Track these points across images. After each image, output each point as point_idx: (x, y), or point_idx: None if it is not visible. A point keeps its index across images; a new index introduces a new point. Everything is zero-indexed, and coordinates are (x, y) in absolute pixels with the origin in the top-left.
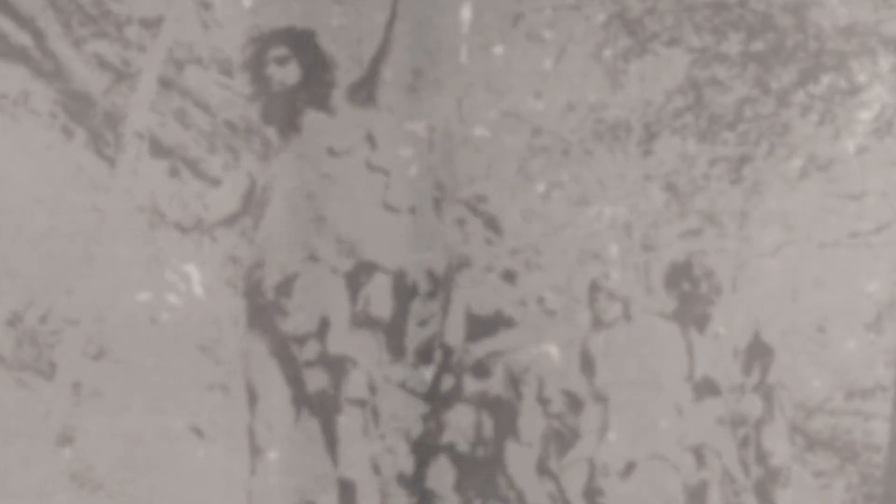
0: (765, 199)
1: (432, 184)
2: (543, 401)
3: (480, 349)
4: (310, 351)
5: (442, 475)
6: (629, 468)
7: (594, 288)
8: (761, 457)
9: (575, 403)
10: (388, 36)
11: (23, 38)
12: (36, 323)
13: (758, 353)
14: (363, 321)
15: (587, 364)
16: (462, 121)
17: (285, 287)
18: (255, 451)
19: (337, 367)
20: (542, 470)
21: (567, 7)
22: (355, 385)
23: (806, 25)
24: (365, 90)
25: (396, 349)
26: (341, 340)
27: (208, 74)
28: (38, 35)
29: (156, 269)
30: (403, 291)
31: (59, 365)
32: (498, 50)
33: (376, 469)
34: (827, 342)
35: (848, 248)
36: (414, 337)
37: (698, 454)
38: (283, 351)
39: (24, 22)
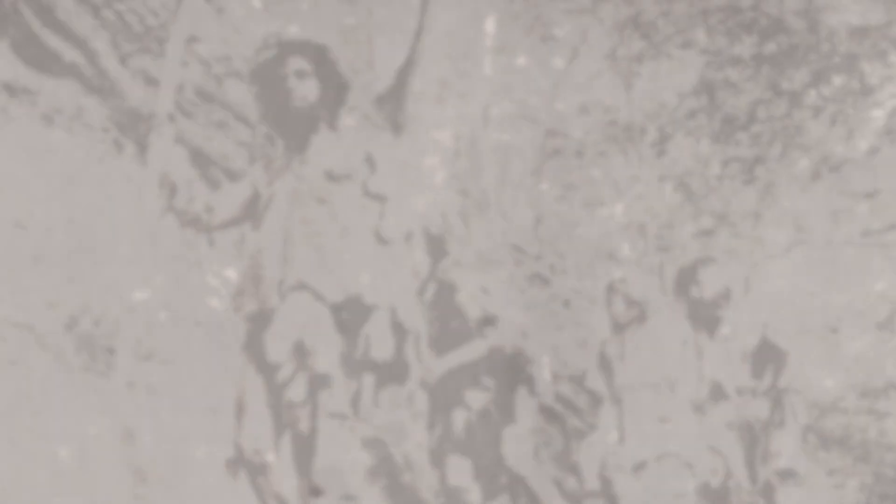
0: (777, 199)
1: (458, 191)
2: (560, 398)
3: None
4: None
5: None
6: (640, 467)
7: (610, 290)
8: (771, 460)
9: (592, 402)
10: (416, 47)
11: (74, 56)
12: (91, 326)
13: (769, 356)
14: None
15: (604, 365)
16: (486, 128)
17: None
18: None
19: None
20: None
21: (581, 10)
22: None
23: (818, 28)
24: (393, 100)
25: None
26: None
27: (249, 88)
28: (90, 53)
29: (198, 274)
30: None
31: (117, 366)
32: (521, 60)
33: None
34: (839, 341)
35: (860, 248)
36: None
37: (709, 456)
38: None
39: (78, 42)
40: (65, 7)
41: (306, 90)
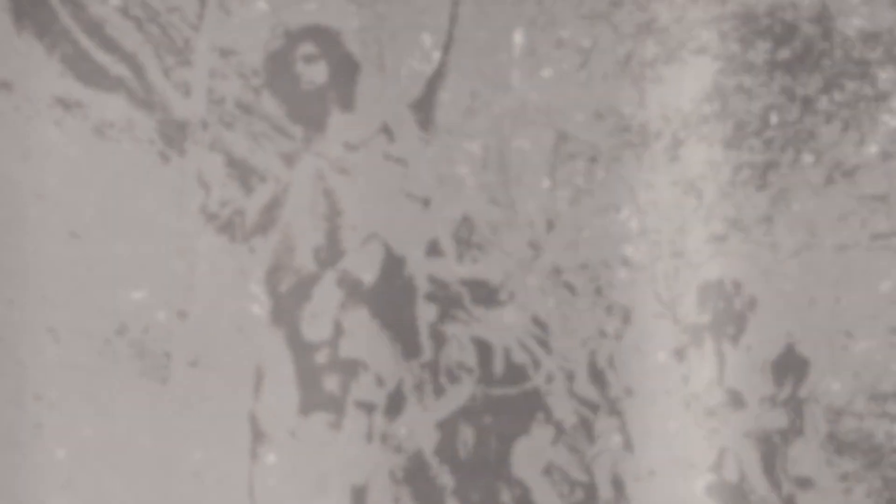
0: (790, 204)
1: (487, 199)
2: (574, 395)
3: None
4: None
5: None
6: (650, 475)
7: (622, 294)
8: (790, 470)
9: (594, 409)
10: (445, 59)
11: (121, 70)
12: (140, 333)
13: (789, 365)
14: None
15: (613, 369)
16: (513, 139)
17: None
18: None
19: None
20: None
21: (595, 15)
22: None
23: (832, 34)
24: (423, 111)
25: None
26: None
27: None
28: (136, 67)
29: (242, 281)
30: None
31: (170, 372)
32: (546, 72)
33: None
34: (849, 345)
35: (870, 251)
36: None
37: (723, 465)
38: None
39: (125, 55)
40: (114, 22)
41: (314, 74)
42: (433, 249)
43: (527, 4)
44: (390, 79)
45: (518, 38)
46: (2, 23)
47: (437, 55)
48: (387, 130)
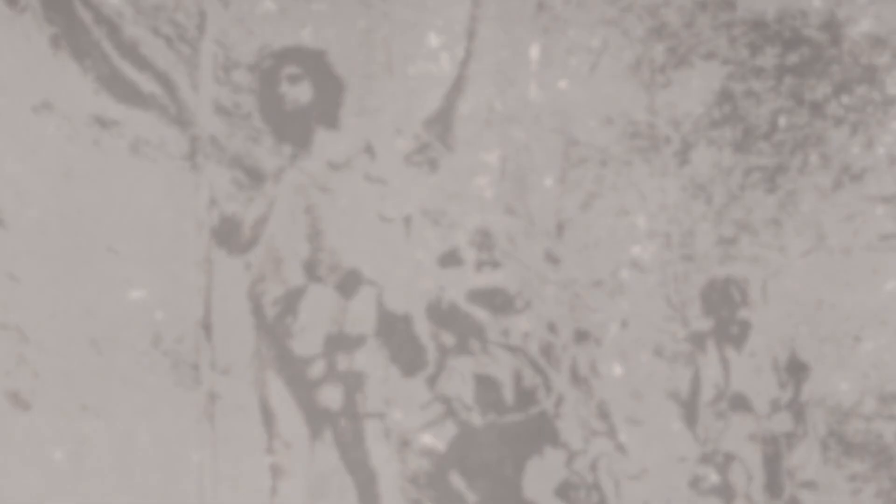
0: (799, 207)
1: (504, 208)
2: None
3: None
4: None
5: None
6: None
7: (632, 298)
8: (791, 472)
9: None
10: (463, 73)
11: (153, 87)
12: (173, 343)
13: (792, 369)
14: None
15: (624, 366)
16: (529, 150)
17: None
18: None
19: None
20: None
21: (606, 22)
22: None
23: (840, 40)
24: (441, 123)
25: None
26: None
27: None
28: (169, 86)
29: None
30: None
31: (202, 380)
32: (563, 84)
33: None
34: (858, 346)
35: (878, 252)
36: None
37: (726, 468)
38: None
39: (158, 74)
40: (147, 42)
41: (299, 93)
42: (452, 258)
43: (543, 15)
44: (399, 80)
45: (535, 51)
46: (38, 44)
47: (445, 55)
48: (369, 150)
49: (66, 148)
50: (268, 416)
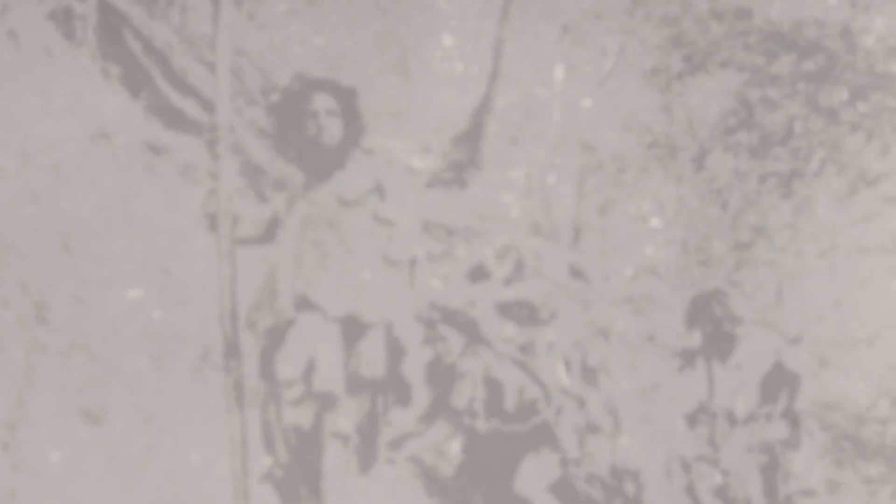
0: (814, 212)
1: (530, 226)
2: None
3: None
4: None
5: None
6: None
7: (649, 302)
8: (790, 481)
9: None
10: (490, 93)
11: (198, 114)
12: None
13: (784, 379)
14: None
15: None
16: (554, 168)
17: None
18: None
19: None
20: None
21: (624, 30)
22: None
23: (855, 48)
24: (468, 142)
25: None
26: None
27: None
28: (213, 111)
29: None
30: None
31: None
32: (586, 102)
33: None
34: (872, 349)
35: (892, 254)
36: None
37: (725, 480)
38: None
39: (204, 102)
40: (195, 70)
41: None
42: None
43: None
44: (413, 83)
45: (559, 73)
46: (91, 75)
47: (457, 54)
48: (379, 189)
49: (120, 175)
50: None
